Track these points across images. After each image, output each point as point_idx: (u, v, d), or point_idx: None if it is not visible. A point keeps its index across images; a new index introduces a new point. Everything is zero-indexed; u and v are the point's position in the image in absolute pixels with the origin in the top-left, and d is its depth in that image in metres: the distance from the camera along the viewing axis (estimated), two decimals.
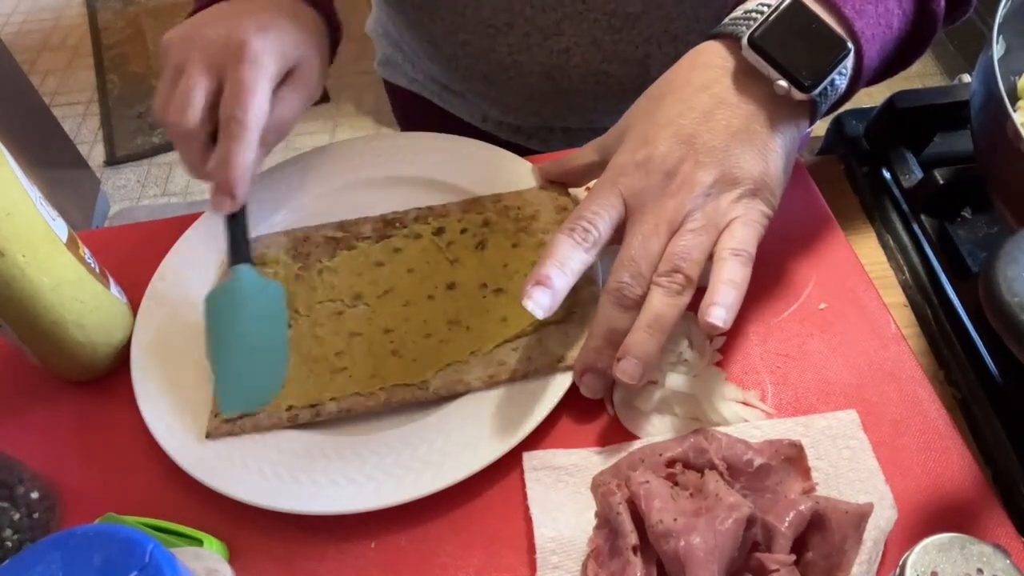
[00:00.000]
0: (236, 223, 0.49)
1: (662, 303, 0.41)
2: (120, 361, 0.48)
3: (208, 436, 0.43)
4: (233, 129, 0.45)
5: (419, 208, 0.53)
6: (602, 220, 0.42)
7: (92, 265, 0.46)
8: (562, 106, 0.69)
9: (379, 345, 0.46)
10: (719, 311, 0.39)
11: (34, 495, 0.41)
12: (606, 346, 0.42)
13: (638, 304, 0.41)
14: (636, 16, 0.60)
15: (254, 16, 0.47)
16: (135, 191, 2.06)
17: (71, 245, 0.44)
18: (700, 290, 0.41)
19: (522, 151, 0.56)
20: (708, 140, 0.42)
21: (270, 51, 0.46)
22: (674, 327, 0.41)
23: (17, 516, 0.40)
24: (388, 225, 0.53)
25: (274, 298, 0.48)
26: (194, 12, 0.51)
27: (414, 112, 0.81)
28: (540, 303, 0.40)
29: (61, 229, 0.44)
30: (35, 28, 2.62)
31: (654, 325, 0.40)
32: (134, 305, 0.50)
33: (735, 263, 0.41)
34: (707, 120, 0.43)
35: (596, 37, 0.61)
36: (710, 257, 0.42)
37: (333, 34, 0.55)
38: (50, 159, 1.79)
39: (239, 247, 0.48)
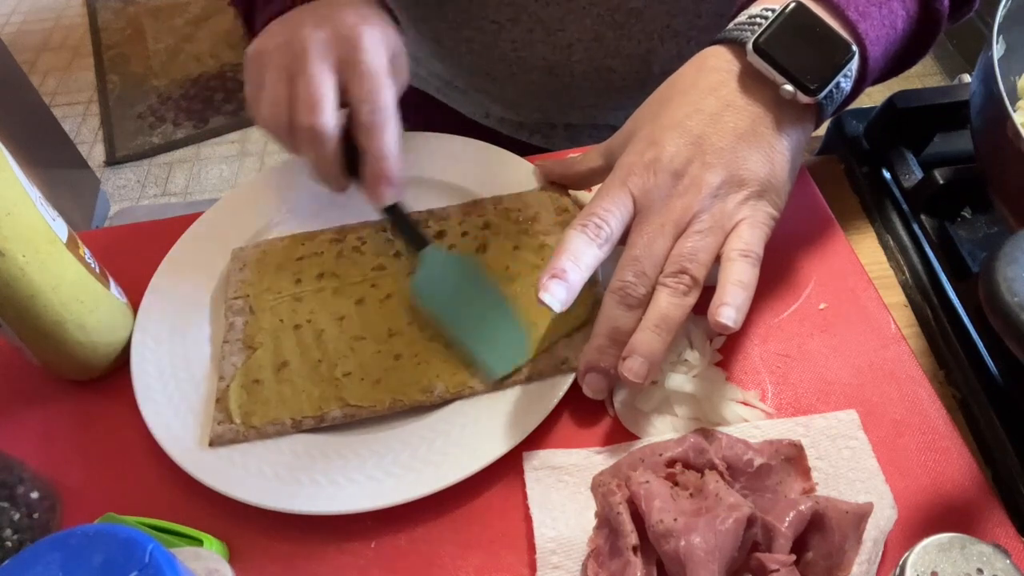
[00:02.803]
0: (400, 209, 0.49)
1: (669, 303, 0.41)
2: (120, 361, 0.48)
3: (211, 444, 0.43)
4: (378, 119, 0.43)
5: (419, 212, 0.53)
6: (614, 217, 0.42)
7: (92, 265, 0.46)
8: (565, 102, 0.69)
9: (383, 349, 0.46)
10: (729, 311, 0.39)
11: (34, 495, 0.41)
12: (610, 345, 0.42)
13: (642, 303, 0.41)
14: (638, 11, 0.60)
15: (351, 9, 0.46)
16: (135, 191, 2.06)
17: (71, 245, 0.44)
18: (705, 289, 0.41)
19: (524, 147, 0.55)
20: (716, 142, 0.42)
21: (379, 40, 0.45)
22: (680, 327, 0.41)
23: (17, 516, 0.40)
24: (389, 229, 0.53)
25: (469, 266, 0.49)
26: (267, 22, 0.49)
27: (416, 109, 0.81)
28: (556, 295, 0.40)
29: (61, 229, 0.44)
30: (35, 28, 2.62)
31: (661, 325, 0.40)
32: (134, 305, 0.50)
33: (744, 264, 0.41)
34: (714, 122, 0.43)
35: (599, 33, 0.61)
36: (716, 259, 0.42)
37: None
38: (50, 159, 1.78)
39: (416, 232, 0.49)
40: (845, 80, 0.43)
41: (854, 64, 0.42)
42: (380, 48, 0.45)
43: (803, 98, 0.42)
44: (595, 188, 0.46)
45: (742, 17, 0.44)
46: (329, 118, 0.43)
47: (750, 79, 0.43)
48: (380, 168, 0.45)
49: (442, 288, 0.48)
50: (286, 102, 0.45)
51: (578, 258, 0.41)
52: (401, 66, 0.48)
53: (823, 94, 0.42)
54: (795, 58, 0.42)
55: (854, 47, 0.42)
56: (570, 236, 0.42)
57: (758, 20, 0.43)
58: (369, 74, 0.44)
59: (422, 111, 0.80)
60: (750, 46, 0.42)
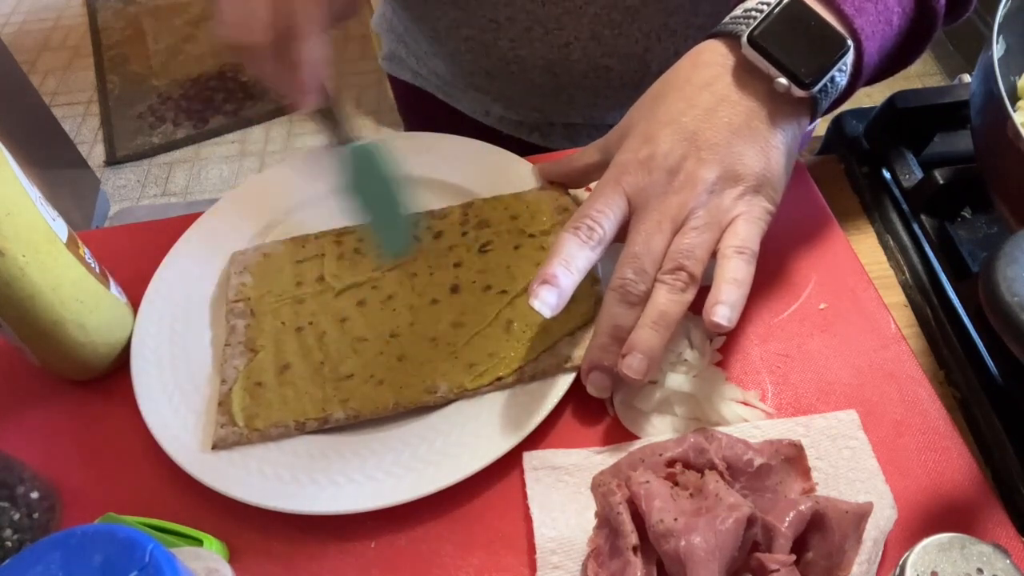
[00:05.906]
0: (326, 112, 0.49)
1: (666, 300, 0.41)
2: (120, 361, 0.48)
3: (214, 447, 0.43)
4: (294, 30, 0.44)
5: (419, 212, 0.53)
6: (607, 218, 0.42)
7: (92, 265, 0.46)
8: (563, 101, 0.69)
9: (386, 351, 0.46)
10: (724, 310, 0.39)
11: (34, 495, 0.41)
12: (612, 343, 0.42)
13: (642, 300, 0.42)
14: (635, 10, 0.60)
15: None
16: (135, 191, 2.06)
17: (71, 245, 0.44)
18: (703, 288, 0.41)
19: (524, 145, 0.55)
20: (710, 137, 0.42)
21: None
22: (678, 324, 0.41)
23: (17, 516, 0.40)
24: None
25: (382, 157, 0.51)
26: None
27: (418, 107, 0.82)
28: (547, 302, 0.40)
29: (61, 229, 0.44)
30: (35, 28, 2.62)
31: (659, 321, 0.40)
32: (134, 305, 0.50)
33: (739, 261, 0.41)
34: (709, 117, 0.43)
35: (596, 31, 0.61)
36: (713, 254, 0.42)
37: None
38: (50, 159, 1.79)
39: (341, 129, 0.50)
40: (840, 74, 0.43)
41: (849, 58, 0.43)
42: None
43: (797, 91, 0.42)
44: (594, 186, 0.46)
45: (738, 11, 0.44)
46: (256, 34, 0.43)
47: (745, 73, 0.43)
48: (293, 75, 0.44)
49: (358, 180, 0.50)
50: (231, 17, 0.44)
51: (569, 262, 0.41)
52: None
53: (817, 88, 0.42)
54: (789, 51, 0.42)
55: (849, 41, 0.42)
56: (563, 239, 0.42)
57: (753, 13, 0.43)
58: None
59: (423, 109, 0.80)
60: (745, 39, 0.42)
